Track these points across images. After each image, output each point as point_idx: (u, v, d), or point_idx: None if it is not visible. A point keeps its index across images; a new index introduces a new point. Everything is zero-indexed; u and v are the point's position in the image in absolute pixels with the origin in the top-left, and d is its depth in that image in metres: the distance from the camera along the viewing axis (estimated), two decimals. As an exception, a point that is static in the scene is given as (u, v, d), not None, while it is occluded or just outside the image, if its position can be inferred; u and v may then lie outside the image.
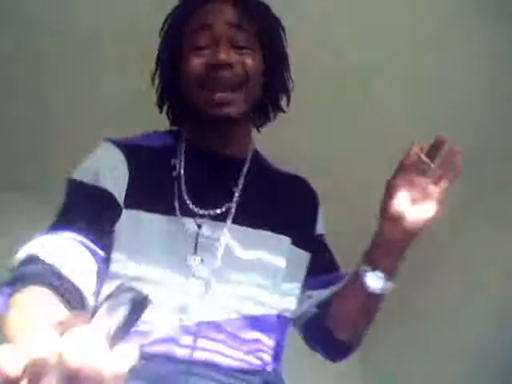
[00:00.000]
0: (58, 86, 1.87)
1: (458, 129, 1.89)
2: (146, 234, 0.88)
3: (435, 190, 0.83)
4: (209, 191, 0.94)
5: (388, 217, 0.86)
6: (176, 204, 0.91)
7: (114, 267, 0.85)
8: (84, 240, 0.78)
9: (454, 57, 1.78)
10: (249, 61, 0.92)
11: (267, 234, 0.95)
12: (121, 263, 0.86)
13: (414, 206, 0.84)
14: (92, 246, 0.79)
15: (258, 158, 1.04)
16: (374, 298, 0.90)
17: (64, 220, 0.82)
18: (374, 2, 1.68)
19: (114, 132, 0.98)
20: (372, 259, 0.89)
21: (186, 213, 0.91)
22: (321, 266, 1.02)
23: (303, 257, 1.00)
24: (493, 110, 1.92)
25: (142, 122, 1.00)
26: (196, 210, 0.92)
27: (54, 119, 1.93)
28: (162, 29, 1.00)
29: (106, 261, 0.84)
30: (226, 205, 0.94)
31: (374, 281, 0.88)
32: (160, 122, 1.05)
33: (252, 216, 0.94)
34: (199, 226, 0.91)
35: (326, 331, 0.98)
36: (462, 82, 1.81)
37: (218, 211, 0.93)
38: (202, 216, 0.92)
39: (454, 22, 1.70)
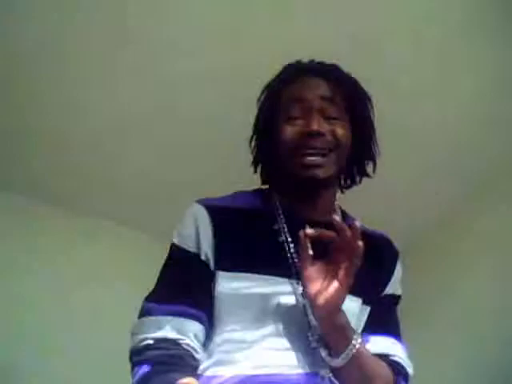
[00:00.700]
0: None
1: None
2: (251, 293, 0.93)
3: (336, 272, 0.87)
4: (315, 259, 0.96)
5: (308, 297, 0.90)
6: (292, 267, 0.95)
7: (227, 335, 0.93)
8: (194, 312, 0.91)
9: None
10: (339, 130, 0.99)
11: (353, 298, 0.97)
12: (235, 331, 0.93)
13: (320, 292, 0.87)
14: (200, 314, 0.92)
15: (345, 220, 1.06)
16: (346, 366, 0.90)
17: (174, 292, 0.94)
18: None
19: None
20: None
21: (298, 276, 0.94)
22: (373, 324, 1.03)
23: (366, 312, 1.02)
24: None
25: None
26: None
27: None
28: (258, 99, 1.08)
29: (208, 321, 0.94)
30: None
31: (325, 357, 0.90)
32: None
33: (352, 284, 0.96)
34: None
35: None
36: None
37: None
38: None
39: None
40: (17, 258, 2.39)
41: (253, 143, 1.09)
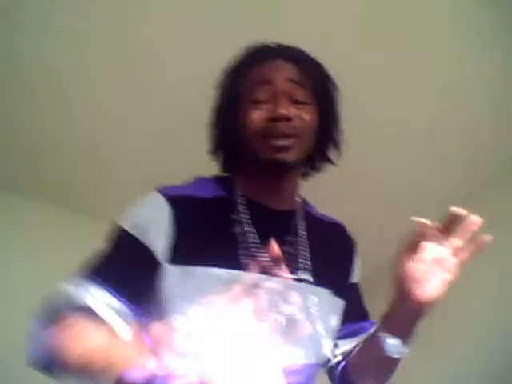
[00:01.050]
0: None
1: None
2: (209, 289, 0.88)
3: (452, 262, 0.84)
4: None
5: (401, 289, 0.87)
6: (243, 259, 0.91)
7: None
8: (119, 306, 0.83)
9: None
10: (306, 115, 0.96)
11: (319, 288, 0.97)
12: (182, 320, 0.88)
13: (430, 279, 0.84)
14: (125, 310, 0.84)
15: (304, 206, 1.07)
16: (392, 360, 0.92)
17: (104, 273, 0.86)
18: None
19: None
20: (389, 326, 0.91)
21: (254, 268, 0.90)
22: (352, 315, 1.05)
23: (340, 305, 1.03)
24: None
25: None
26: (268, 268, 0.91)
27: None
28: (220, 81, 1.03)
29: (139, 315, 0.87)
30: (291, 259, 0.95)
31: (392, 346, 0.90)
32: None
33: (313, 272, 0.97)
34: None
35: (347, 379, 1.02)
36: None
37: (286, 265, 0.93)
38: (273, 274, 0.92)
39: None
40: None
41: (213, 128, 1.04)
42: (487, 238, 0.82)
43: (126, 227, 0.91)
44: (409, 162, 2.26)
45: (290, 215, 1.01)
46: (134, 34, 1.82)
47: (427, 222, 0.84)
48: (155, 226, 0.90)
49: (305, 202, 1.09)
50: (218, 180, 1.03)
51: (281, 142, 0.93)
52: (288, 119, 0.94)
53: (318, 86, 1.00)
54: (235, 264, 0.90)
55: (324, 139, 1.02)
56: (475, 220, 0.82)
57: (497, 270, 2.11)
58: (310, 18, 1.75)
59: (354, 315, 1.06)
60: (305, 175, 1.07)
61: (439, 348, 2.28)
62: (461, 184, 2.30)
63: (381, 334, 0.91)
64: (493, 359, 2.02)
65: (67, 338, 0.77)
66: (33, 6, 1.71)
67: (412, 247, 0.85)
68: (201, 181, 1.02)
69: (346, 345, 1.04)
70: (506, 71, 1.86)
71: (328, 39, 1.79)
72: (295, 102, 0.96)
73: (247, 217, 0.96)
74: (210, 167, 1.06)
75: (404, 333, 0.90)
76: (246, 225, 0.95)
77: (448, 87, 1.94)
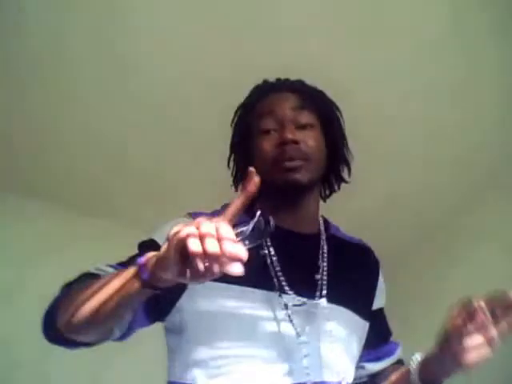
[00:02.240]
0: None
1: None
2: (227, 304, 0.93)
3: (493, 332, 0.86)
4: (297, 270, 0.99)
5: (446, 352, 0.90)
6: (275, 280, 0.96)
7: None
8: None
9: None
10: (312, 138, 1.03)
11: (348, 311, 1.01)
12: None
13: (472, 347, 0.87)
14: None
15: (328, 229, 1.10)
16: None
17: (123, 265, 0.91)
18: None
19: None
20: (424, 378, 0.96)
21: (281, 289, 0.96)
22: (376, 338, 1.10)
23: (364, 327, 1.06)
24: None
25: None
26: (289, 286, 0.97)
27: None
28: (232, 120, 1.13)
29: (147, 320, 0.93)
30: (315, 282, 1.00)
31: None
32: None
33: (337, 295, 0.99)
34: (298, 304, 0.96)
35: None
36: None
37: (308, 288, 0.98)
38: (296, 293, 0.97)
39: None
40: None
41: (231, 163, 1.12)
42: None
43: (156, 238, 0.96)
44: (409, 162, 2.26)
45: (313, 238, 1.05)
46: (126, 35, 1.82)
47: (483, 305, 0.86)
48: None
49: (328, 224, 1.13)
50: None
51: (290, 164, 0.99)
52: (295, 142, 1.00)
53: (322, 108, 1.07)
54: (260, 284, 0.94)
55: (334, 159, 1.08)
56: None
57: (497, 270, 2.12)
58: (310, 17, 1.75)
59: (380, 338, 1.12)
60: (323, 197, 1.12)
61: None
62: (460, 184, 2.31)
63: (413, 378, 0.96)
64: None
65: (76, 292, 0.82)
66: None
67: (466, 314, 0.87)
68: (226, 206, 1.06)
69: (373, 367, 1.11)
70: (506, 71, 1.86)
71: (328, 39, 1.79)
72: (301, 128, 1.03)
73: (268, 241, 1.00)
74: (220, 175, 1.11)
75: (434, 382, 0.95)
76: (267, 248, 0.99)
77: (448, 88, 1.94)
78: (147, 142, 2.23)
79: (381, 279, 1.13)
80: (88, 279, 0.85)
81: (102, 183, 2.43)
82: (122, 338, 0.90)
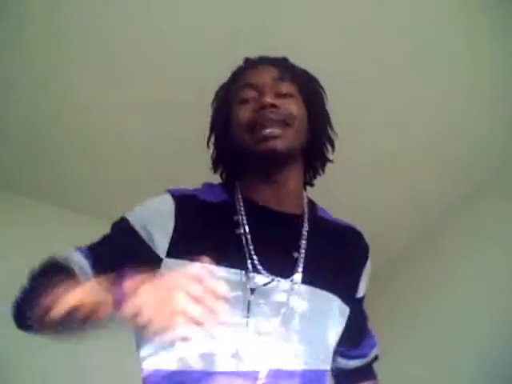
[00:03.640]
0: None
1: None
2: None
3: None
4: (273, 252, 0.95)
5: None
6: (246, 260, 0.92)
7: None
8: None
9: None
10: (292, 105, 0.98)
11: (327, 294, 0.97)
12: None
13: None
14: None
15: (313, 211, 1.05)
16: None
17: (96, 254, 0.92)
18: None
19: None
20: None
21: (254, 269, 0.92)
22: (355, 329, 1.05)
23: (345, 313, 1.02)
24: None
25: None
26: (263, 265, 0.93)
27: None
28: (213, 99, 1.08)
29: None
30: (292, 262, 0.95)
31: None
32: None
33: (315, 276, 0.95)
34: (267, 283, 0.92)
35: None
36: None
37: (284, 268, 0.94)
38: (270, 273, 0.93)
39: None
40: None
41: (211, 143, 1.07)
42: None
43: (130, 219, 0.95)
44: (409, 163, 2.26)
45: (295, 218, 1.01)
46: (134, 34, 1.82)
47: None
48: (157, 219, 0.93)
49: (315, 206, 1.08)
50: (223, 186, 1.05)
51: (269, 131, 0.93)
52: (273, 106, 0.95)
53: (303, 82, 1.03)
54: (232, 263, 0.91)
55: (316, 135, 1.03)
56: None
57: (497, 268, 2.12)
58: (309, 17, 1.75)
59: (356, 331, 1.07)
60: (307, 182, 1.08)
61: (443, 355, 2.28)
62: (460, 185, 2.31)
63: None
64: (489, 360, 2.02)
65: (40, 286, 0.81)
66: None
67: None
68: (208, 186, 1.04)
69: (346, 363, 1.10)
70: (506, 71, 1.86)
71: (328, 38, 1.79)
72: (281, 96, 0.98)
73: (245, 218, 0.96)
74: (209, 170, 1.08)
75: None
76: (243, 226, 0.95)
77: (447, 88, 1.94)
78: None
79: (368, 266, 1.08)
80: (56, 275, 0.82)
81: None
82: None
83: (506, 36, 1.73)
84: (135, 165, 2.36)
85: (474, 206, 2.33)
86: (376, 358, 1.15)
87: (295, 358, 0.90)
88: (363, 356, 1.12)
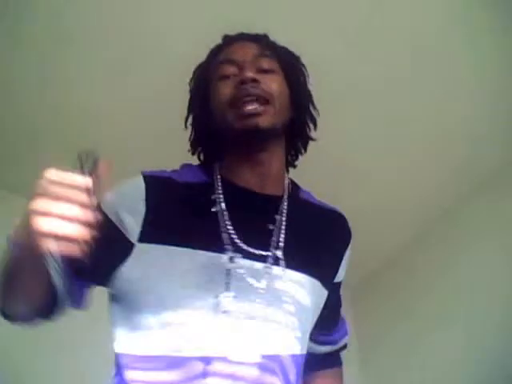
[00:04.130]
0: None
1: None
2: (176, 267, 0.87)
3: None
4: (251, 229, 0.93)
5: None
6: (222, 234, 0.90)
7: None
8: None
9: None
10: (274, 81, 0.95)
11: (304, 276, 0.94)
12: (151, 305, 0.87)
13: None
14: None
15: (294, 192, 1.03)
16: None
17: None
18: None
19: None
20: None
21: (228, 247, 0.90)
22: (329, 314, 1.04)
23: (324, 296, 1.00)
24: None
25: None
26: (240, 238, 0.91)
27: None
28: (191, 78, 1.05)
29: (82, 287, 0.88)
30: (269, 244, 0.93)
31: None
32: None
33: (292, 257, 0.93)
34: (248, 265, 0.90)
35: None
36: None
37: (260, 249, 0.92)
38: (246, 253, 0.90)
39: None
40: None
41: (189, 123, 1.04)
42: None
43: (101, 205, 0.89)
44: (408, 162, 2.26)
45: (273, 199, 0.98)
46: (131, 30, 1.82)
47: None
48: (128, 203, 0.90)
49: (298, 188, 1.05)
50: (202, 167, 1.02)
51: (250, 107, 0.90)
52: (254, 81, 0.92)
53: (285, 58, 1.01)
54: (208, 244, 0.88)
55: (299, 113, 1.00)
56: None
57: (497, 268, 2.12)
58: (309, 17, 1.75)
59: (330, 316, 1.07)
60: (289, 163, 1.05)
61: (439, 352, 2.28)
62: (459, 185, 2.31)
63: None
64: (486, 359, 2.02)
65: None
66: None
67: None
68: (186, 167, 1.02)
69: (317, 348, 1.09)
70: (506, 71, 1.86)
71: (328, 39, 1.79)
72: (262, 72, 0.95)
73: (222, 196, 0.94)
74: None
75: None
76: (219, 204, 0.93)
77: (447, 88, 1.94)
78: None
79: (349, 251, 1.06)
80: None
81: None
82: (77, 305, 0.87)
83: (506, 36, 1.73)
84: (135, 165, 2.35)
85: (474, 206, 2.33)
86: (345, 346, 1.15)
87: (275, 342, 0.88)
88: (334, 343, 1.12)
